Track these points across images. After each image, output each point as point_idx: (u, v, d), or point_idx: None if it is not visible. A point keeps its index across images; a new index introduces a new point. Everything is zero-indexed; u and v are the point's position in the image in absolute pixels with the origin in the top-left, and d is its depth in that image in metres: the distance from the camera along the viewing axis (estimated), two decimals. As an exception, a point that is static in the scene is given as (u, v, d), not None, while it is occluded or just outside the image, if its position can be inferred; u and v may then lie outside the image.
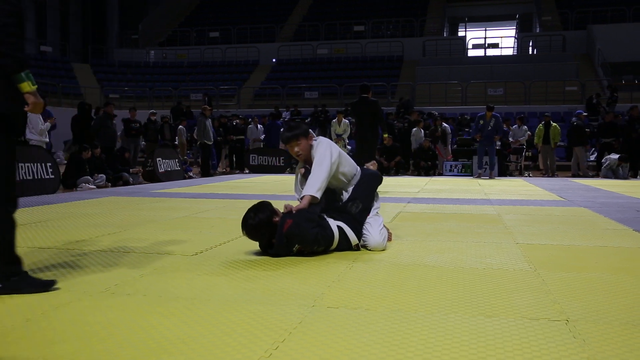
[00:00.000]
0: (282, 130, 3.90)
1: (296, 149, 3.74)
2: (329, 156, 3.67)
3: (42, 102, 2.54)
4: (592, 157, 15.06)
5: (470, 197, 7.79)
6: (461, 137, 14.87)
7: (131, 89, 25.72)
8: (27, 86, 2.47)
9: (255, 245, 3.66)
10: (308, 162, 3.80)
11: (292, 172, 14.92)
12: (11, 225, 2.56)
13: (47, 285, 2.59)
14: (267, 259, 3.38)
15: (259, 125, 16.28)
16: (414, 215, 5.68)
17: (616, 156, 12.65)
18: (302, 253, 3.41)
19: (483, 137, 12.40)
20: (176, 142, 15.08)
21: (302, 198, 3.60)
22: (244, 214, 3.47)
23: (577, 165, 13.60)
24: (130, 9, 32.79)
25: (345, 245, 3.58)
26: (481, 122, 12.49)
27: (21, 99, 2.50)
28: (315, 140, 3.84)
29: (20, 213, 5.54)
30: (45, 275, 2.90)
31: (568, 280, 2.89)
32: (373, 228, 3.68)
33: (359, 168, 3.95)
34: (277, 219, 3.41)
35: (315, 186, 3.56)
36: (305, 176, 3.78)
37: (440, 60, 25.78)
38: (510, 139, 14.91)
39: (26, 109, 2.51)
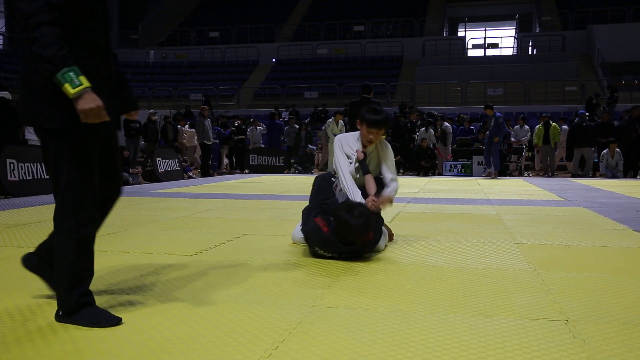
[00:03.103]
0: (364, 109, 3.74)
1: (379, 137, 3.71)
2: (393, 161, 3.86)
3: (97, 105, 1.94)
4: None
5: (470, 197, 7.79)
6: (461, 137, 14.85)
7: (131, 88, 25.67)
8: (67, 90, 1.91)
9: (254, 246, 3.66)
10: (364, 152, 3.76)
11: (291, 172, 14.92)
12: (76, 249, 2.10)
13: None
14: (266, 259, 3.38)
15: (259, 128, 16.26)
16: (414, 215, 5.67)
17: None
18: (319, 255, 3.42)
19: (488, 136, 12.47)
20: (176, 143, 15.08)
21: (379, 196, 3.62)
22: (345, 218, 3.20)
23: (579, 166, 13.56)
24: (130, 9, 32.76)
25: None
26: (489, 122, 12.64)
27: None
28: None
29: (20, 213, 5.55)
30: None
31: (568, 280, 2.90)
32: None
33: None
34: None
35: (393, 192, 3.76)
36: (362, 164, 3.75)
37: (440, 60, 25.78)
38: (512, 139, 14.90)
39: (82, 120, 1.97)
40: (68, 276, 2.10)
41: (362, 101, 8.59)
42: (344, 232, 3.17)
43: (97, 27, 2.11)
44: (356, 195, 3.60)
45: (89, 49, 2.07)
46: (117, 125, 2.24)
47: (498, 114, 12.56)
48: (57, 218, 2.11)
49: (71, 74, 1.90)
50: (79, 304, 2.11)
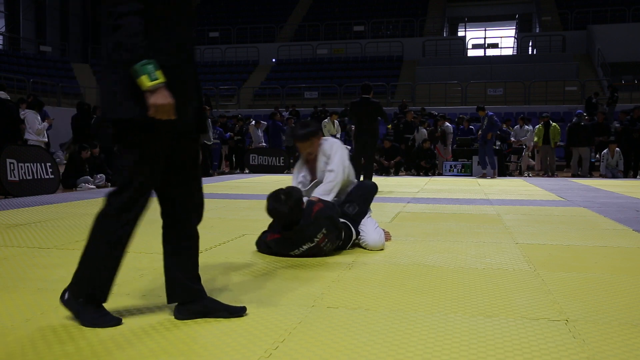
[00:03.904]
0: (292, 128, 3.77)
1: (309, 149, 3.73)
2: (345, 162, 3.74)
3: (169, 101, 1.92)
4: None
5: (470, 197, 7.79)
6: (461, 137, 14.85)
7: (131, 88, 25.70)
8: (143, 82, 1.89)
9: (254, 246, 3.66)
10: (312, 162, 3.79)
11: (291, 172, 14.93)
12: (111, 245, 2.07)
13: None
14: (267, 259, 3.38)
15: (259, 128, 16.24)
16: (414, 215, 5.67)
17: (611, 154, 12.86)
18: (305, 254, 3.38)
19: (480, 136, 12.52)
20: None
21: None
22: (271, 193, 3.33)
23: (578, 165, 13.56)
24: (130, 9, 32.76)
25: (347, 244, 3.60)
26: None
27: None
28: (325, 139, 3.84)
29: (20, 213, 5.55)
30: (44, 275, 2.90)
31: (568, 280, 2.90)
32: (369, 227, 3.70)
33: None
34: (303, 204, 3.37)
35: (331, 193, 3.65)
36: (309, 177, 3.79)
37: (440, 60, 25.78)
38: (512, 139, 14.90)
39: (149, 113, 1.92)
40: (92, 268, 2.07)
41: (362, 101, 8.59)
42: (279, 219, 3.30)
43: (183, 24, 2.07)
44: None
45: (174, 44, 2.03)
46: (197, 125, 2.16)
47: (490, 113, 12.60)
48: (105, 209, 2.06)
49: (150, 66, 1.89)
50: (89, 296, 2.08)
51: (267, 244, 3.48)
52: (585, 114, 14.51)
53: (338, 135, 14.72)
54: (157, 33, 1.97)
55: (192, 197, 2.21)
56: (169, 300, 2.21)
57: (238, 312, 2.23)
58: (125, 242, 2.11)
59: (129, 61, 1.88)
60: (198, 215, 2.26)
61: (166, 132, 2.03)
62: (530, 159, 15.06)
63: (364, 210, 3.77)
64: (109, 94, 1.99)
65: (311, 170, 3.83)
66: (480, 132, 12.73)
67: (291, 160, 15.30)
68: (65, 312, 2.27)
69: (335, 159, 3.72)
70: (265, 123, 16.33)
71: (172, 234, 2.22)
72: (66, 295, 2.13)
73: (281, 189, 3.32)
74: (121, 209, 2.05)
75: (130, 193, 2.04)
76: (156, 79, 1.89)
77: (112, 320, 2.10)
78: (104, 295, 2.11)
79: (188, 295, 2.19)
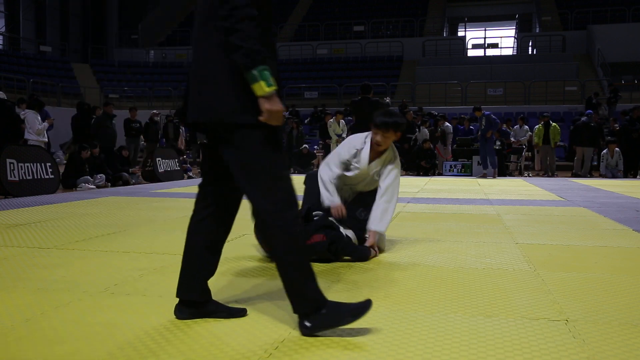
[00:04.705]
0: (377, 113, 3.55)
1: (389, 140, 3.51)
2: (398, 184, 3.58)
3: (281, 108, 1.91)
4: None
5: (470, 197, 7.79)
6: (461, 137, 14.86)
7: (131, 89, 25.71)
8: (260, 88, 1.86)
9: (254, 246, 3.65)
10: (374, 155, 3.58)
11: (290, 172, 14.90)
12: (296, 243, 1.99)
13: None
14: (267, 259, 3.38)
15: None
16: (414, 215, 5.67)
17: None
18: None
19: (480, 136, 12.53)
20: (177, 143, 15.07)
21: (369, 233, 3.43)
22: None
23: (581, 165, 13.54)
24: (130, 9, 32.76)
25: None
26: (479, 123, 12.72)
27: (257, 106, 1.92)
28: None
29: (20, 213, 5.55)
30: (44, 275, 2.90)
31: (568, 280, 2.90)
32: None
33: None
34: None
35: (386, 221, 3.46)
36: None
37: (440, 60, 25.78)
38: (512, 139, 14.90)
39: (261, 118, 1.90)
40: (299, 274, 1.98)
41: (363, 100, 8.61)
42: None
43: (272, 30, 2.08)
44: (331, 201, 3.51)
45: (270, 51, 2.01)
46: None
47: (487, 112, 12.60)
48: (270, 215, 1.96)
49: (267, 72, 1.87)
50: (316, 300, 1.99)
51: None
52: (593, 114, 14.49)
53: (344, 135, 14.70)
54: (263, 39, 1.93)
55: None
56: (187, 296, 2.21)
57: (238, 313, 2.23)
58: (305, 237, 2.09)
59: (247, 66, 1.85)
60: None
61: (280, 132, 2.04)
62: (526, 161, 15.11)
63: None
64: (222, 97, 1.94)
65: (361, 163, 3.57)
66: (479, 132, 12.75)
67: (290, 160, 15.30)
68: (67, 313, 2.27)
69: (392, 174, 3.55)
70: None
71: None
72: (307, 323, 2.00)
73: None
74: (290, 204, 1.99)
75: (286, 188, 2.00)
76: (272, 85, 1.87)
77: (363, 305, 2.04)
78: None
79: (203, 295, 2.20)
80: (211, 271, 2.21)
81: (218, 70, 1.95)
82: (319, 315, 1.98)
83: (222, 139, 2.01)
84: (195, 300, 2.18)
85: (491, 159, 12.56)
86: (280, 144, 2.02)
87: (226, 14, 1.86)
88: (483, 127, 12.39)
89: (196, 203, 2.20)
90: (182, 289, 2.20)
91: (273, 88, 1.87)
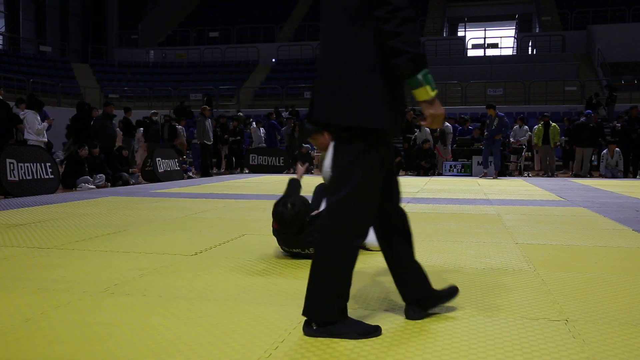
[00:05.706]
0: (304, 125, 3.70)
1: (315, 142, 3.70)
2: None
3: (444, 112, 1.89)
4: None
5: (470, 197, 7.79)
6: (461, 137, 14.85)
7: (131, 89, 25.71)
8: (424, 93, 1.82)
9: (254, 246, 3.66)
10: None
11: (291, 172, 14.91)
12: (348, 258, 1.98)
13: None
14: (266, 259, 3.38)
15: (261, 129, 16.23)
16: (414, 215, 5.67)
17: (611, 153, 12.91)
18: (295, 255, 3.39)
19: (488, 136, 12.42)
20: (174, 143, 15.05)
21: None
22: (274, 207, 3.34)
23: (580, 166, 13.53)
24: (130, 9, 32.77)
25: None
26: (487, 121, 12.59)
27: (403, 110, 1.91)
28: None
29: (20, 213, 5.55)
30: (44, 275, 2.90)
31: (568, 280, 2.90)
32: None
33: None
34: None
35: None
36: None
37: (440, 60, 25.76)
38: (511, 139, 14.91)
39: (423, 124, 1.92)
40: (334, 285, 1.97)
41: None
42: (279, 223, 3.29)
43: None
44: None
45: None
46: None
47: (501, 114, 12.53)
48: (336, 222, 1.95)
49: (430, 76, 1.82)
50: (338, 315, 1.98)
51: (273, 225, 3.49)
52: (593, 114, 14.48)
53: None
54: None
55: (399, 195, 2.21)
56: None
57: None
58: (357, 253, 2.04)
59: (412, 71, 1.80)
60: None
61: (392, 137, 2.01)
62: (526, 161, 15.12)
63: None
64: (360, 100, 1.86)
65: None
66: (486, 132, 12.64)
67: (290, 161, 15.31)
68: (67, 313, 2.27)
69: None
70: (263, 130, 16.34)
71: (396, 232, 2.16)
72: (313, 326, 2.00)
73: (294, 197, 3.33)
74: (361, 219, 1.98)
75: (365, 202, 1.97)
76: (435, 89, 1.82)
77: (375, 329, 2.03)
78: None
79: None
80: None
81: (350, 72, 1.86)
82: (332, 327, 1.98)
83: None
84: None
85: (496, 160, 12.47)
86: (389, 158, 2.02)
87: (387, 16, 1.77)
88: (494, 127, 12.28)
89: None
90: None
91: (436, 92, 1.83)
